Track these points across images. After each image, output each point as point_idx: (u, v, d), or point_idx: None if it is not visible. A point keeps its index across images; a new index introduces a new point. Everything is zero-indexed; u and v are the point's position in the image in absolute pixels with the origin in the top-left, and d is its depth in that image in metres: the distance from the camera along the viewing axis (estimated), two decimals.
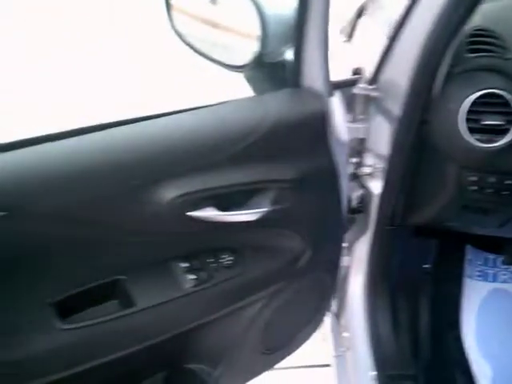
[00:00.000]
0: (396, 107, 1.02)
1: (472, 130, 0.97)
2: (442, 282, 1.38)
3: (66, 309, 0.85)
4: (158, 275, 0.93)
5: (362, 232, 1.23)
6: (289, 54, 1.00)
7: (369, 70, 1.08)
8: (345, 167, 1.05)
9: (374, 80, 1.05)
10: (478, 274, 1.49)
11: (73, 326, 0.86)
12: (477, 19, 0.97)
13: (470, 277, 1.48)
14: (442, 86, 0.98)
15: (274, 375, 1.26)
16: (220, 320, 1.00)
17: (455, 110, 0.96)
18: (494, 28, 1.04)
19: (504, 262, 1.47)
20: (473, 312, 1.43)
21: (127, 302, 0.90)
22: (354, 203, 1.19)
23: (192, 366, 1.06)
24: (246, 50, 0.97)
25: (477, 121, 0.97)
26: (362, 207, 1.20)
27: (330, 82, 0.97)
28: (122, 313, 0.89)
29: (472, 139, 0.97)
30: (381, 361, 1.25)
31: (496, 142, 0.97)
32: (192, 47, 1.02)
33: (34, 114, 3.05)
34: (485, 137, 0.98)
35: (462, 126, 0.97)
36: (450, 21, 0.91)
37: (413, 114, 1.01)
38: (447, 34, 0.93)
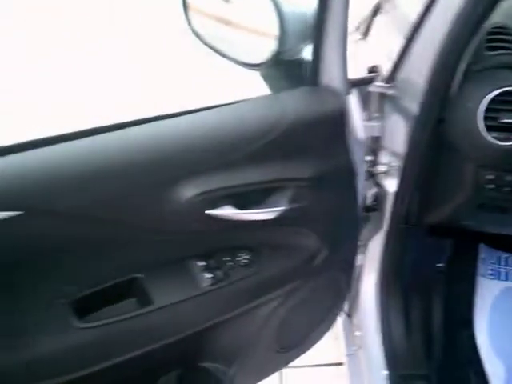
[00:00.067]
0: (413, 105, 1.02)
1: (490, 128, 0.96)
2: (455, 281, 1.38)
3: (84, 308, 0.86)
4: (175, 274, 0.93)
5: (375, 230, 1.23)
6: (306, 52, 1.00)
7: (385, 68, 1.07)
8: (361, 166, 1.05)
9: (391, 78, 1.05)
10: (490, 272, 1.49)
11: (90, 324, 0.86)
12: (496, 16, 0.97)
13: (483, 275, 1.48)
14: (460, 83, 0.97)
15: (286, 373, 1.26)
16: (235, 318, 1.00)
17: (473, 108, 0.96)
18: None
19: None
20: (485, 311, 1.43)
21: (144, 300, 0.90)
22: (369, 201, 1.19)
23: (206, 364, 1.06)
24: (263, 49, 0.97)
25: (495, 119, 0.96)
26: (376, 205, 1.19)
27: (348, 80, 0.97)
28: (139, 311, 0.89)
29: (490, 137, 0.97)
30: (393, 360, 1.24)
31: None
32: (209, 46, 1.02)
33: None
34: (503, 135, 0.97)
35: (480, 124, 0.96)
36: (468, 20, 0.91)
37: (430, 112, 1.01)
38: (466, 32, 0.92)
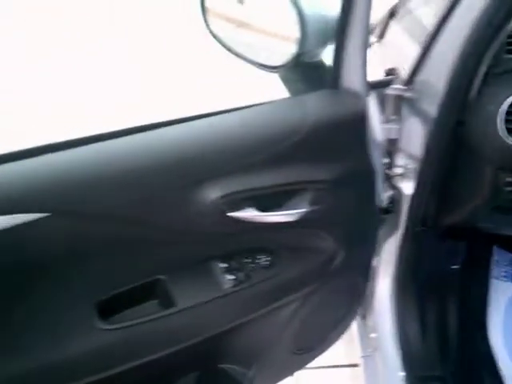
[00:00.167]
0: (432, 108, 1.02)
1: (510, 131, 0.97)
2: (469, 283, 1.38)
3: (108, 309, 0.86)
4: (197, 275, 0.93)
5: (391, 233, 1.23)
6: (325, 55, 1.00)
7: (403, 71, 1.07)
8: (380, 168, 1.05)
9: (409, 81, 1.05)
10: (503, 274, 1.49)
11: (114, 326, 0.86)
12: None
13: (496, 278, 1.48)
14: (479, 86, 0.98)
15: (300, 375, 1.26)
16: (255, 320, 1.01)
17: (494, 111, 0.96)
18: None
19: None
20: (500, 313, 1.43)
21: (167, 302, 0.90)
22: (384, 204, 1.19)
23: (225, 366, 1.07)
24: (283, 51, 0.98)
25: None
26: (392, 208, 1.19)
27: (367, 82, 0.97)
28: (162, 313, 0.90)
29: (510, 140, 0.97)
30: (409, 362, 1.24)
31: None
32: (228, 48, 1.02)
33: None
34: None
35: (501, 127, 0.96)
36: (490, 23, 0.91)
37: (449, 114, 1.01)
38: (487, 36, 0.92)
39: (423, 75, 1.04)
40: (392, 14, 1.27)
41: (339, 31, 0.90)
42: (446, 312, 1.33)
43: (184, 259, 0.92)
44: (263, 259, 0.97)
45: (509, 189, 1.04)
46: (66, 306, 0.82)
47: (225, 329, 0.97)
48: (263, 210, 0.91)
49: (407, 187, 1.14)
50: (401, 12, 1.29)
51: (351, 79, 0.95)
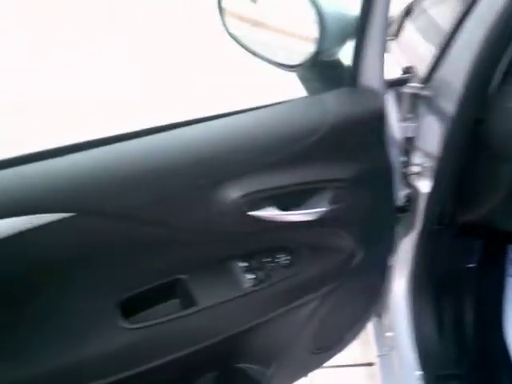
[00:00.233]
0: (449, 106, 1.02)
1: None
2: (485, 282, 1.37)
3: (130, 308, 0.86)
4: (218, 275, 0.93)
5: (407, 231, 1.23)
6: (343, 53, 1.00)
7: (421, 69, 1.07)
8: (397, 166, 1.05)
9: (427, 79, 1.05)
10: None
11: (136, 325, 0.86)
12: None
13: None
14: (499, 84, 0.97)
15: (315, 374, 1.26)
16: (275, 320, 1.01)
17: None
18: None
19: None
20: None
21: (188, 301, 0.91)
22: (401, 202, 1.19)
23: (243, 365, 1.07)
24: (300, 50, 0.98)
25: None
26: (408, 206, 1.19)
27: (385, 80, 0.97)
28: (183, 313, 0.90)
29: None
30: (426, 360, 1.24)
31: None
32: (246, 48, 1.02)
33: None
34: None
35: None
36: (509, 22, 0.91)
37: (467, 112, 1.01)
38: (506, 35, 0.92)
39: (441, 73, 1.04)
40: (408, 12, 1.27)
41: (359, 30, 0.90)
42: (462, 310, 1.33)
43: (204, 259, 0.92)
44: (283, 258, 0.97)
45: None
46: (90, 306, 0.82)
47: (244, 328, 0.98)
48: (283, 209, 0.91)
49: (424, 185, 1.14)
50: (416, 10, 1.29)
51: (370, 77, 0.94)
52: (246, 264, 0.95)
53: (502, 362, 1.36)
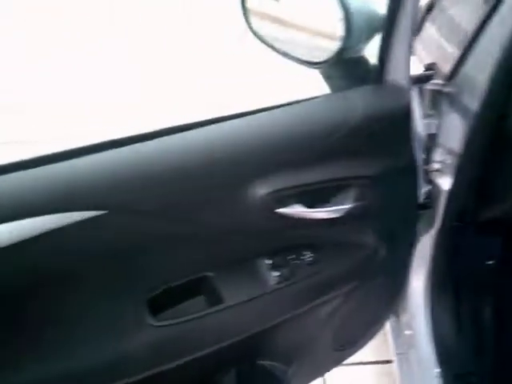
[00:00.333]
0: (473, 103, 1.01)
1: None
2: (505, 279, 1.37)
3: (157, 305, 0.86)
4: (244, 272, 0.93)
5: (426, 228, 1.23)
6: (367, 50, 1.00)
7: (444, 66, 1.07)
8: (421, 163, 1.05)
9: (451, 76, 1.05)
10: None
11: (164, 323, 0.86)
12: None
13: None
14: None
15: (335, 371, 1.26)
16: (298, 317, 1.01)
17: None
18: None
19: None
20: None
21: (215, 298, 0.90)
22: (421, 199, 1.19)
23: (265, 362, 1.07)
24: (324, 47, 0.98)
25: None
26: (428, 203, 1.19)
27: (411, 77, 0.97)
28: (210, 310, 0.90)
29: None
30: (445, 358, 1.24)
31: None
32: (269, 46, 1.02)
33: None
34: None
35: None
36: None
37: (491, 109, 1.00)
38: None
39: (465, 70, 1.03)
40: (429, 8, 1.27)
41: (386, 26, 0.89)
42: (481, 308, 1.33)
43: (231, 256, 0.92)
44: (307, 256, 0.97)
45: None
46: (119, 303, 0.82)
47: (268, 325, 0.97)
48: (308, 207, 0.91)
49: (445, 182, 1.13)
50: (439, 5, 1.29)
51: (396, 74, 0.94)
52: (270, 261, 0.94)
53: None
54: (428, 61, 1.15)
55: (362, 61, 1.00)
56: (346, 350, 1.17)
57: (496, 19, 0.97)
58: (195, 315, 0.88)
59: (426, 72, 1.08)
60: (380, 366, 1.65)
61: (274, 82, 3.05)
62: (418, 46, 1.29)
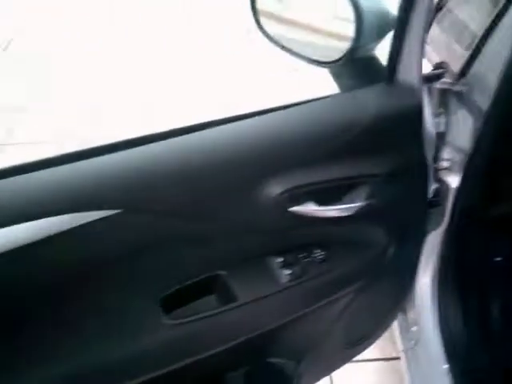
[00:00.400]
0: (483, 101, 1.02)
1: None
2: None
3: (171, 304, 0.87)
4: (256, 270, 0.94)
5: (434, 226, 1.23)
6: (377, 49, 1.00)
7: (454, 65, 1.07)
8: (431, 162, 1.06)
9: (461, 74, 1.05)
10: None
11: (178, 321, 0.87)
12: None
13: None
14: None
15: (342, 368, 1.27)
16: (309, 315, 1.01)
17: None
18: None
19: None
20: None
21: (228, 297, 0.91)
22: (430, 197, 1.19)
23: (275, 360, 1.07)
24: (335, 47, 0.98)
25: None
26: (437, 201, 1.20)
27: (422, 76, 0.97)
28: (223, 308, 0.90)
29: None
30: (453, 354, 1.25)
31: None
32: (280, 46, 1.03)
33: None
34: None
35: None
36: None
37: (501, 107, 1.01)
38: None
39: (475, 69, 1.04)
40: (438, 8, 1.27)
41: (399, 25, 0.90)
42: (489, 304, 1.33)
43: (244, 255, 0.92)
44: (318, 254, 0.98)
45: None
46: (134, 301, 0.83)
47: (280, 323, 0.98)
48: (320, 205, 0.92)
49: (453, 180, 1.14)
50: (448, 5, 1.29)
51: (407, 73, 0.95)
52: (281, 259, 0.95)
53: None
54: (436, 60, 1.15)
55: (373, 60, 1.01)
56: (356, 348, 1.18)
57: (506, 19, 0.97)
58: (208, 313, 0.89)
59: (436, 71, 1.09)
60: (386, 362, 1.66)
61: (282, 82, 3.06)
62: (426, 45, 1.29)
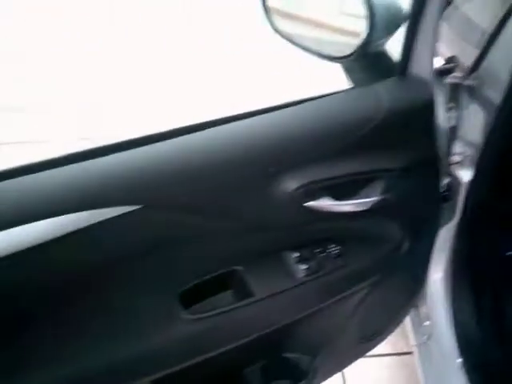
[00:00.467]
0: (495, 95, 1.02)
1: None
2: None
3: (189, 299, 0.87)
4: (272, 265, 0.94)
5: (445, 220, 1.24)
6: (389, 43, 1.01)
7: (465, 59, 1.08)
8: (444, 156, 1.06)
9: (473, 68, 1.05)
10: None
11: (196, 316, 0.87)
12: None
13: None
14: None
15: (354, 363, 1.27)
16: (325, 309, 1.01)
17: None
18: None
19: None
20: None
21: (244, 292, 0.91)
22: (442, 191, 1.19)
23: (290, 355, 1.08)
24: (348, 42, 0.98)
25: None
26: (448, 196, 1.20)
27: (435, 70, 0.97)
28: (240, 303, 0.91)
29: None
30: (465, 348, 1.25)
31: None
32: (293, 43, 1.03)
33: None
34: None
35: None
36: None
37: None
38: None
39: (487, 63, 1.04)
40: (448, 2, 1.28)
41: (411, 19, 0.90)
42: (502, 298, 1.34)
43: (259, 250, 0.93)
44: (334, 248, 0.98)
45: None
46: (154, 296, 0.83)
47: (296, 318, 0.98)
48: (336, 200, 0.92)
49: (465, 174, 1.14)
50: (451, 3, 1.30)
51: (420, 67, 0.95)
52: (297, 254, 0.95)
53: None
54: (446, 54, 1.15)
55: (384, 54, 1.01)
56: (370, 342, 1.18)
57: None
58: (225, 309, 0.89)
59: (447, 65, 1.09)
60: (398, 357, 1.66)
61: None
62: None
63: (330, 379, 1.17)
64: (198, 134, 0.83)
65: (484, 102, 1.06)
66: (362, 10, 0.93)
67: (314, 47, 1.01)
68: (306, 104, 0.91)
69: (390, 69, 0.99)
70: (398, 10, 0.94)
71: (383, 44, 1.00)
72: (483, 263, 1.29)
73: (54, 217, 0.73)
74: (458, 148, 1.15)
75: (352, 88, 1.00)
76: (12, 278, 0.71)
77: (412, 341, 1.43)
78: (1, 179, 0.73)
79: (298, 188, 0.87)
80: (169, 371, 0.86)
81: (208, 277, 0.89)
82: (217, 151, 0.83)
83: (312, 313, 1.00)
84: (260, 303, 0.91)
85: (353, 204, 0.93)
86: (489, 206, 1.18)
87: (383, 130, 0.91)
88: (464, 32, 1.20)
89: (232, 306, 0.89)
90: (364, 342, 1.16)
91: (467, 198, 1.16)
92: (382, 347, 1.30)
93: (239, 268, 0.91)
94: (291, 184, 0.87)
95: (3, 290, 0.71)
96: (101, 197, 0.75)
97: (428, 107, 0.95)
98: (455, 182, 1.17)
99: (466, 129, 1.12)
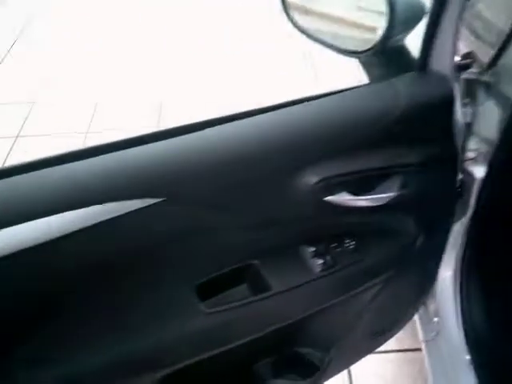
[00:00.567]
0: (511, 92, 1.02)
1: None
2: None
3: (202, 293, 0.87)
4: (289, 259, 0.94)
5: (457, 216, 1.24)
6: (407, 39, 1.00)
7: (482, 55, 1.07)
8: (460, 152, 1.06)
9: (490, 65, 1.05)
10: None
11: (213, 309, 0.87)
12: None
13: None
14: None
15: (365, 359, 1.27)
16: (338, 305, 1.02)
17: None
18: None
19: None
20: None
21: (261, 286, 0.91)
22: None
23: (302, 350, 1.08)
24: (367, 37, 0.98)
25: None
26: (461, 192, 1.20)
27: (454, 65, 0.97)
28: (258, 297, 0.91)
29: None
30: (474, 345, 1.25)
31: None
32: (312, 38, 1.03)
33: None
34: None
35: None
36: None
37: None
38: None
39: (504, 60, 1.04)
40: None
41: (433, 14, 0.90)
42: (511, 295, 1.34)
43: (276, 244, 0.92)
44: (349, 243, 0.98)
45: None
46: (172, 289, 0.83)
47: (311, 313, 0.98)
48: (354, 195, 0.92)
49: (478, 171, 1.14)
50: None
51: (440, 63, 0.95)
52: (313, 249, 0.95)
53: None
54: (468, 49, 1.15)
55: (402, 50, 1.01)
56: (381, 337, 1.18)
57: None
58: (241, 302, 0.89)
59: (464, 61, 1.09)
60: (406, 353, 1.66)
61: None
62: None
63: (337, 375, 1.18)
64: (218, 128, 0.83)
65: (500, 99, 1.06)
66: (381, 5, 0.93)
67: (333, 42, 1.01)
68: (325, 99, 0.91)
69: (408, 64, 0.99)
70: (418, 5, 0.94)
71: (402, 39, 0.99)
72: (494, 260, 1.29)
73: (82, 208, 0.72)
74: (472, 144, 1.15)
75: (371, 83, 0.99)
76: (39, 267, 0.71)
77: (420, 337, 1.44)
78: (23, 172, 0.73)
79: (316, 183, 0.87)
80: (183, 364, 0.86)
81: (225, 270, 0.88)
82: (236, 146, 0.83)
83: (325, 308, 1.00)
84: (275, 297, 0.91)
85: (370, 199, 0.93)
86: (502, 203, 1.18)
87: (401, 126, 0.91)
88: (479, 31, 1.20)
89: (247, 300, 0.89)
90: (375, 337, 1.17)
91: (480, 195, 1.16)
92: (391, 343, 1.30)
93: (256, 262, 0.91)
94: (310, 179, 0.86)
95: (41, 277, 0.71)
96: (123, 190, 0.75)
97: (447, 103, 0.95)
98: (468, 178, 1.17)
99: (481, 125, 1.12)
